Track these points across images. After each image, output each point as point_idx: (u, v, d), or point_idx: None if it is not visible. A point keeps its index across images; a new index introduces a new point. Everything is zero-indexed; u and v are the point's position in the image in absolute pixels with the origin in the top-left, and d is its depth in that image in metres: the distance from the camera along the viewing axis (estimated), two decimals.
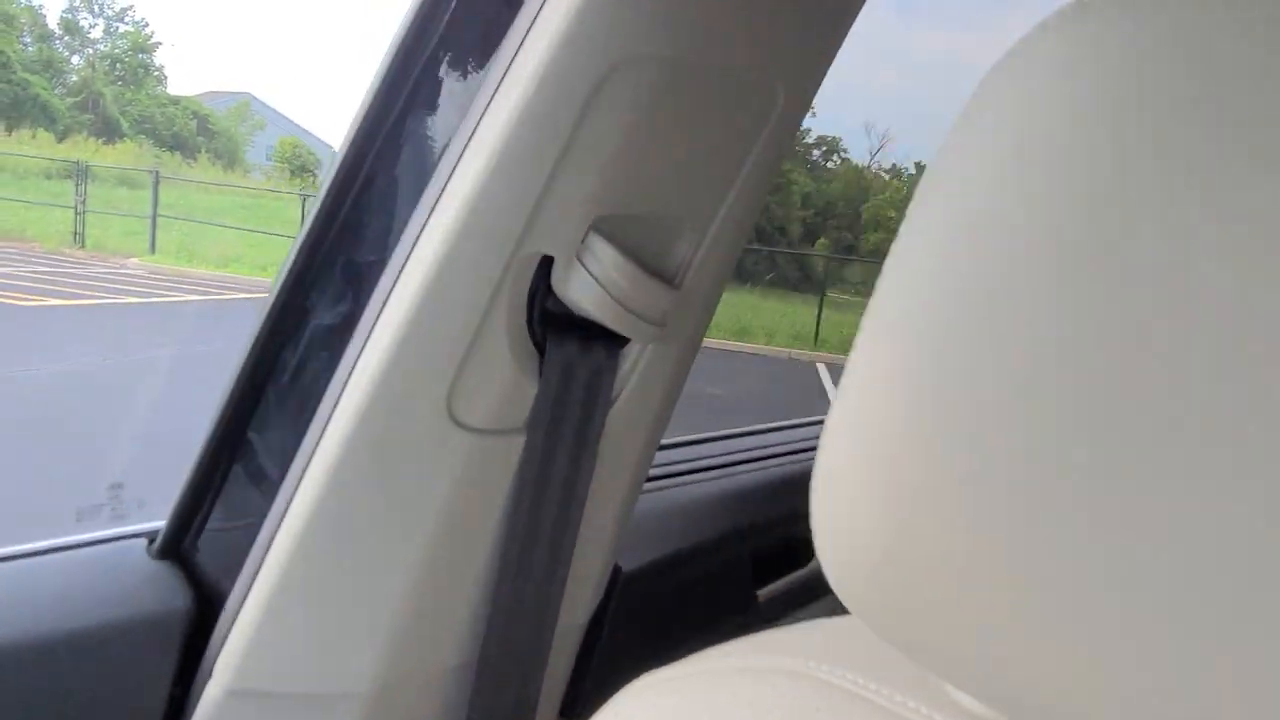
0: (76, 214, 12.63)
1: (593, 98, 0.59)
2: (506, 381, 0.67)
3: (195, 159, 23.24)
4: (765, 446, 1.27)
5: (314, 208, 0.69)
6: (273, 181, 22.42)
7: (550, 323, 0.68)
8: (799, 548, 1.23)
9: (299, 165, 24.13)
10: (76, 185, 12.97)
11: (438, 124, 0.66)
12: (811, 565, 1.24)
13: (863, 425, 0.29)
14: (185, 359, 6.56)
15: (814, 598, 1.27)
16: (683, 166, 0.66)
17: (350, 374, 0.65)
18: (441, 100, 0.66)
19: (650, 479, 1.00)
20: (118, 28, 26.99)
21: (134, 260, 11.94)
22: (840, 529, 0.30)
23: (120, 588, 0.70)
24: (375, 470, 0.66)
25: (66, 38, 26.08)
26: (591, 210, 0.63)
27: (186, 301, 9.52)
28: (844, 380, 0.31)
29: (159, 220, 12.78)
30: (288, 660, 0.69)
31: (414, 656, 0.72)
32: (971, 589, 0.25)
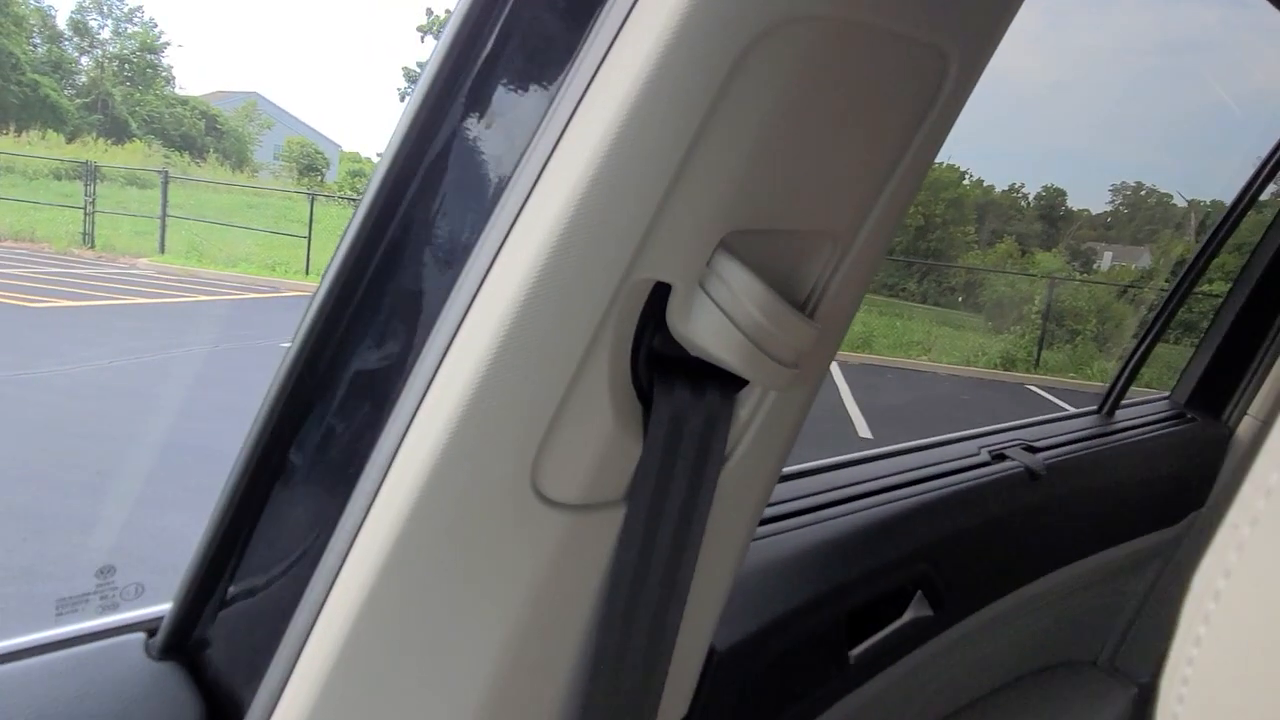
0: (86, 214, 12.55)
1: (735, 73, 0.44)
2: (605, 443, 0.52)
3: (204, 159, 23.15)
4: (857, 482, 1.12)
5: (352, 223, 0.54)
6: (280, 181, 22.34)
7: (656, 365, 0.54)
8: (894, 598, 1.08)
9: (306, 164, 24.06)
10: (86, 186, 12.89)
11: (517, 113, 0.51)
12: (906, 616, 1.09)
13: (1267, 625, 0.19)
14: (191, 360, 6.46)
15: (906, 651, 1.12)
16: (833, 166, 0.51)
17: (405, 434, 0.50)
18: (521, 82, 0.51)
19: None
20: (126, 28, 26.95)
21: (143, 260, 11.85)
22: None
23: (111, 702, 0.55)
24: (439, 555, 0.51)
25: (75, 39, 26.04)
26: (722, 224, 0.49)
27: (196, 301, 9.43)
28: (1225, 556, 0.20)
29: (168, 220, 12.69)
30: None
31: None
32: None
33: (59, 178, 15.48)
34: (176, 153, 22.26)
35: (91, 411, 4.98)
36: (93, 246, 12.32)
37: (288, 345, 0.57)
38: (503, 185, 0.49)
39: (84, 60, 25.88)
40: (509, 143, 0.50)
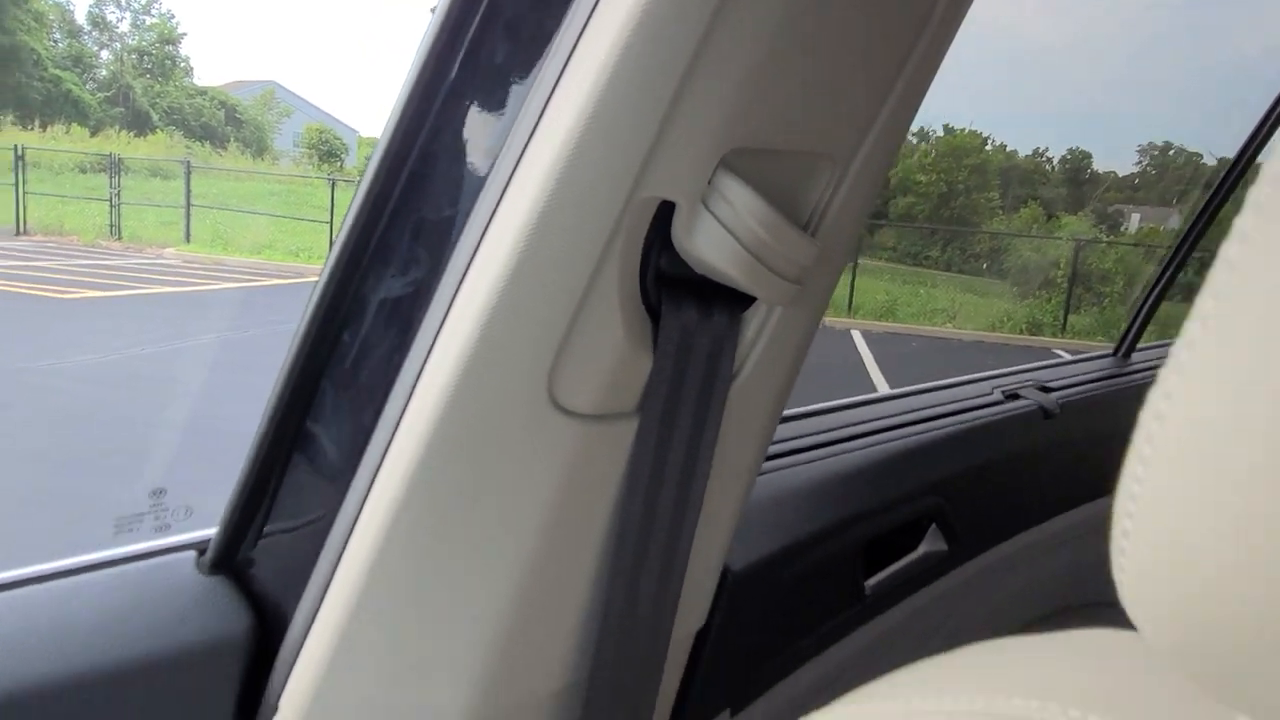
0: (112, 206, 12.74)
1: None
2: (617, 357, 0.55)
3: (225, 148, 23.36)
4: (871, 420, 1.15)
5: (373, 159, 0.58)
6: (300, 167, 22.52)
7: (665, 284, 0.57)
8: (908, 530, 1.11)
9: (325, 150, 24.19)
10: (110, 178, 13.07)
11: (523, 44, 0.54)
12: (920, 550, 1.12)
13: (1203, 441, 0.21)
14: (223, 345, 6.58)
15: (921, 584, 1.15)
16: (828, 87, 0.54)
17: (429, 355, 0.54)
18: (527, 14, 0.54)
19: None
20: (144, 20, 27.16)
21: (170, 250, 12.03)
22: (1163, 551, 0.22)
23: (168, 610, 0.60)
24: (464, 466, 0.55)
25: (95, 33, 26.29)
26: (722, 143, 0.51)
27: (224, 289, 9.57)
28: (1168, 380, 0.23)
29: (192, 210, 12.85)
30: (365, 693, 0.58)
31: (513, 682, 0.61)
32: None
33: (84, 171, 15.69)
34: (198, 143, 22.47)
35: (125, 399, 5.10)
36: (120, 237, 12.51)
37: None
38: (514, 113, 0.52)
39: (104, 54, 26.15)
40: (515, 71, 0.53)
